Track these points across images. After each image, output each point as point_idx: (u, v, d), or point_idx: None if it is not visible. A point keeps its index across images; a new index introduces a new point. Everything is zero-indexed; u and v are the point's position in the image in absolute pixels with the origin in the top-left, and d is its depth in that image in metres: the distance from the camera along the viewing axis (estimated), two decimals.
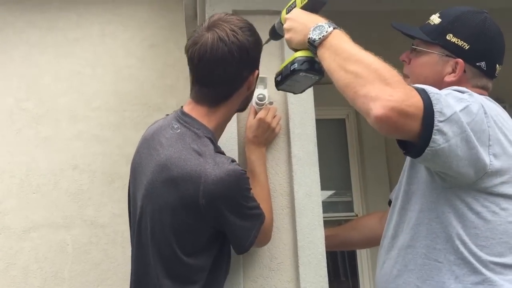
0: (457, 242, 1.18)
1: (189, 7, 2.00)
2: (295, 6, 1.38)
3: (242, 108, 1.58)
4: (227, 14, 1.48)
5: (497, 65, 1.37)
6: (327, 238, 1.88)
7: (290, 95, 1.74)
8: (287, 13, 1.39)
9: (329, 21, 1.25)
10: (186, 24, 2.17)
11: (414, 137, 1.08)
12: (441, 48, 1.37)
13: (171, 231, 1.39)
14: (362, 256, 3.46)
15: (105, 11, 3.39)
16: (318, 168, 1.70)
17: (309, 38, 1.23)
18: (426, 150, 1.07)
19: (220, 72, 1.42)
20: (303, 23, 1.28)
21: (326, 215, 2.76)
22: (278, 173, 1.72)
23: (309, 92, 1.74)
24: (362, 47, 1.24)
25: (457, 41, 1.34)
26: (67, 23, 3.34)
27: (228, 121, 1.55)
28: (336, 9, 2.85)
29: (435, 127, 1.06)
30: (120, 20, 3.38)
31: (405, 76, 1.45)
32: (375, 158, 3.38)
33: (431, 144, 1.06)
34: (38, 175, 3.12)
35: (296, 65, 1.30)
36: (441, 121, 1.06)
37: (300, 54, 1.30)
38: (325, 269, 1.64)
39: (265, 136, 1.67)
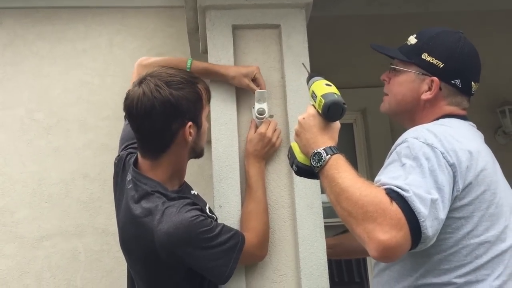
0: None
1: (191, 20, 2.02)
2: (315, 98, 1.32)
3: (196, 155, 1.61)
4: (165, 68, 1.52)
5: (473, 83, 1.39)
6: (332, 247, 1.90)
7: (290, 108, 1.76)
8: (310, 92, 1.37)
9: (330, 145, 1.26)
10: (189, 37, 2.20)
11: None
12: (417, 67, 1.39)
13: (146, 278, 1.51)
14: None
15: (113, 22, 3.44)
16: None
17: (310, 163, 1.28)
18: (418, 246, 1.10)
19: (146, 126, 1.48)
20: (307, 140, 1.31)
21: (333, 220, 2.77)
22: (280, 185, 1.73)
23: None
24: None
25: (432, 60, 1.37)
26: (75, 34, 3.40)
27: (182, 168, 1.58)
28: (342, 14, 2.88)
29: (423, 230, 1.08)
30: (128, 30, 3.43)
31: (385, 94, 1.50)
32: (383, 162, 3.37)
33: (422, 241, 1.09)
34: (49, 185, 3.18)
35: (296, 170, 1.37)
36: (424, 221, 1.08)
37: (302, 161, 1.34)
38: (327, 281, 1.65)
39: (265, 150, 1.68)
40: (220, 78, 1.76)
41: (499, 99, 3.49)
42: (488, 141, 1.41)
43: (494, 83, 3.44)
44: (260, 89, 1.73)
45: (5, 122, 3.23)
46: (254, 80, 1.74)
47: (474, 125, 1.41)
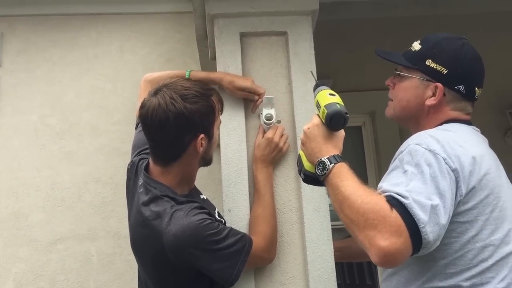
0: None
1: (200, 28, 2.06)
2: (319, 107, 1.36)
3: (205, 164, 1.65)
4: (180, 80, 1.56)
5: (477, 88, 1.41)
6: (339, 250, 1.93)
7: (296, 113, 1.79)
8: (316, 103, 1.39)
9: (334, 154, 1.29)
10: (198, 44, 2.24)
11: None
12: (421, 73, 1.42)
13: (155, 280, 1.55)
14: None
15: (124, 28, 3.48)
16: None
17: (315, 171, 1.32)
18: (421, 251, 1.12)
19: (159, 136, 1.52)
20: (312, 149, 1.35)
21: (341, 222, 2.78)
22: (288, 189, 1.76)
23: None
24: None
25: (436, 66, 1.39)
26: (87, 40, 3.45)
27: (191, 175, 1.63)
28: (351, 17, 2.90)
29: (423, 236, 1.10)
30: (138, 36, 3.47)
31: (390, 99, 1.52)
32: None
33: (423, 246, 1.11)
34: (62, 189, 3.23)
35: (303, 178, 1.41)
36: (424, 227, 1.10)
37: (308, 169, 1.38)
38: (335, 283, 1.68)
39: (273, 155, 1.72)
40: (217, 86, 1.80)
41: (509, 101, 3.48)
42: (498, 143, 1.42)
43: (503, 85, 3.43)
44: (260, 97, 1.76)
45: (19, 127, 3.29)
46: (252, 91, 1.78)
47: (478, 129, 1.43)
